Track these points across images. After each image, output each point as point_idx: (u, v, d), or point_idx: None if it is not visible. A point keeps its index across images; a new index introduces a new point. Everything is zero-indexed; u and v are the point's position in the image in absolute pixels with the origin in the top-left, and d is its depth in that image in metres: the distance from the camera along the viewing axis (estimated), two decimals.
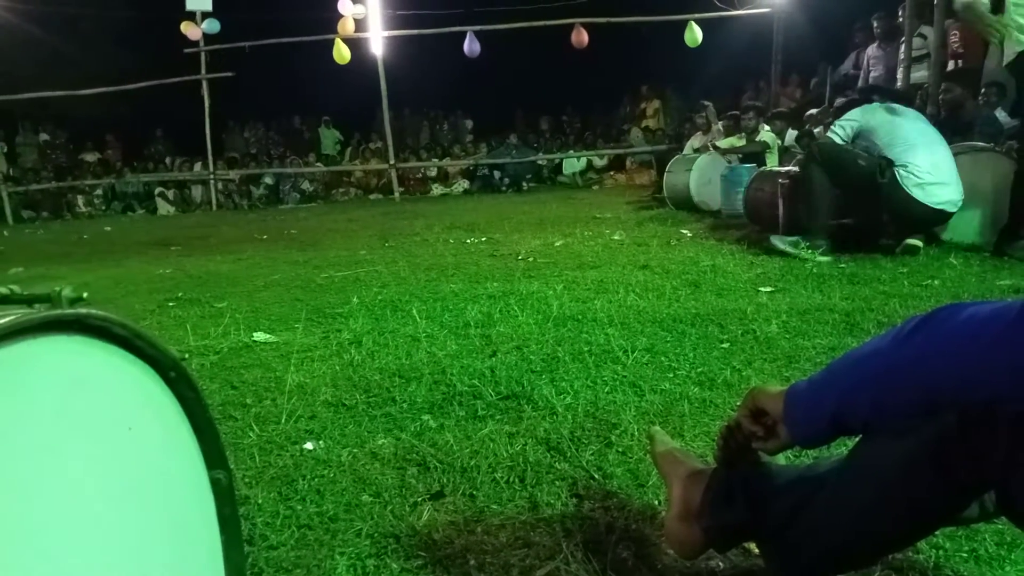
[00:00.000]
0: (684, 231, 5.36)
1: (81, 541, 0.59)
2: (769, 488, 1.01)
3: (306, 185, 13.54)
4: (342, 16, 11.14)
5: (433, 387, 2.12)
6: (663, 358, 2.27)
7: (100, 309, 0.66)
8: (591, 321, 2.78)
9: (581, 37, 10.69)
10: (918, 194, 3.72)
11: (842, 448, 1.20)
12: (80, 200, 12.99)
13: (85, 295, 0.62)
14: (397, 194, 12.18)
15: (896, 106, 4.05)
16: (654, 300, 3.09)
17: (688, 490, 1.10)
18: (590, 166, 13.25)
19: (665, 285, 3.37)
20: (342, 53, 11.12)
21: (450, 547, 1.27)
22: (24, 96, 11.95)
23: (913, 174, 3.73)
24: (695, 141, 8.73)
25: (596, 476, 1.51)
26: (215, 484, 0.84)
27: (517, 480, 1.51)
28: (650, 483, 1.44)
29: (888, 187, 3.79)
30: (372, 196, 13.13)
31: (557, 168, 13.60)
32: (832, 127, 4.08)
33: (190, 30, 11.38)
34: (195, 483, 0.81)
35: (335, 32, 11.16)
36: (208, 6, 11.30)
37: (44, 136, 14.35)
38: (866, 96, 4.61)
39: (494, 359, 2.36)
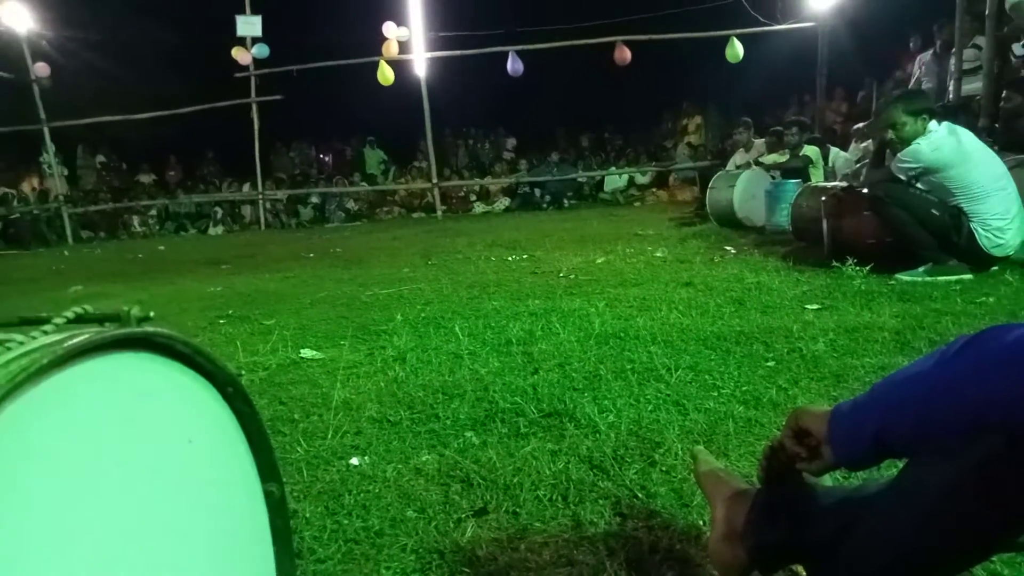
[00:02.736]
0: (728, 248, 5.31)
1: (145, 545, 0.62)
2: (814, 509, 0.99)
3: (351, 204, 13.80)
4: (386, 39, 11.39)
5: (476, 404, 2.14)
6: (707, 376, 2.25)
7: (162, 327, 0.69)
8: (634, 339, 2.77)
9: (624, 54, 10.72)
10: (994, 250, 3.65)
11: (892, 469, 1.18)
12: (135, 220, 13.46)
13: (152, 314, 0.65)
14: (439, 212, 12.33)
15: (958, 129, 3.86)
16: (697, 318, 3.07)
17: (732, 510, 1.09)
18: (632, 183, 13.21)
19: (709, 302, 3.34)
20: (386, 75, 11.37)
21: (493, 564, 1.27)
22: (83, 121, 12.47)
23: (989, 228, 3.64)
24: (738, 157, 8.65)
25: (639, 495, 1.50)
26: (268, 496, 0.87)
27: (560, 498, 1.51)
28: (694, 503, 1.43)
29: (962, 240, 3.69)
30: (415, 215, 13.30)
31: (598, 185, 13.60)
32: (898, 164, 3.86)
33: (241, 55, 11.76)
34: (249, 495, 0.84)
35: (380, 54, 11.41)
36: (258, 31, 11.67)
37: (101, 159, 14.93)
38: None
39: (536, 376, 2.37)
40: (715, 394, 2.08)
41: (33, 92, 11.69)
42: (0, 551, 0.47)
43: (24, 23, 11.34)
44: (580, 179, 13.44)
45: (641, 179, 13.21)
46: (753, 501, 1.07)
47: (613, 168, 13.48)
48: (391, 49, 11.39)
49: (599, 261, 5.05)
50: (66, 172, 13.77)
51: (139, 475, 0.62)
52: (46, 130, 12.14)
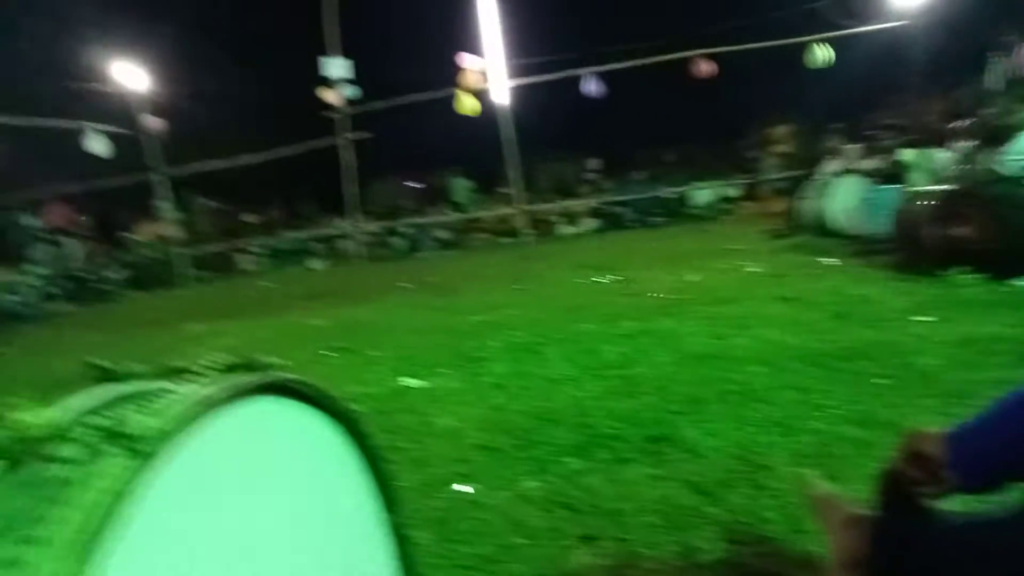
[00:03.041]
0: (825, 259, 5.11)
1: (287, 570, 0.68)
2: (937, 535, 0.96)
3: (441, 234, 14.14)
4: (465, 70, 11.70)
5: (575, 430, 2.16)
6: (813, 396, 2.18)
7: (283, 368, 0.76)
8: (732, 359, 2.72)
9: (705, 67, 10.59)
10: None
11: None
12: (244, 259, 14.27)
13: (288, 363, 0.72)
14: (527, 237, 12.45)
15: None
16: (798, 334, 2.97)
17: (849, 538, 1.06)
18: (720, 197, 12.94)
19: (809, 318, 3.24)
20: (467, 104, 11.67)
21: None
22: (193, 169, 13.38)
23: None
24: (830, 165, 8.33)
25: (748, 521, 1.48)
26: (389, 525, 0.92)
27: (666, 524, 1.51)
28: (807, 529, 1.39)
29: None
30: (503, 240, 13.47)
31: (685, 200, 13.40)
32: (1006, 158, 3.65)
33: (330, 96, 12.35)
34: (373, 523, 0.89)
35: (460, 86, 11.73)
36: (346, 73, 12.24)
37: (211, 203, 15.97)
38: None
39: (634, 400, 2.37)
40: (822, 414, 2.02)
41: (148, 145, 12.67)
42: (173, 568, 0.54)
43: (139, 83, 12.35)
44: (666, 195, 13.28)
45: (730, 192, 12.92)
46: (872, 528, 1.04)
47: (699, 182, 13.24)
48: (470, 80, 11.68)
49: (691, 279, 4.97)
50: (180, 217, 14.78)
51: (279, 505, 0.68)
52: (161, 179, 13.11)
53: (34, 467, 0.50)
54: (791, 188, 10.72)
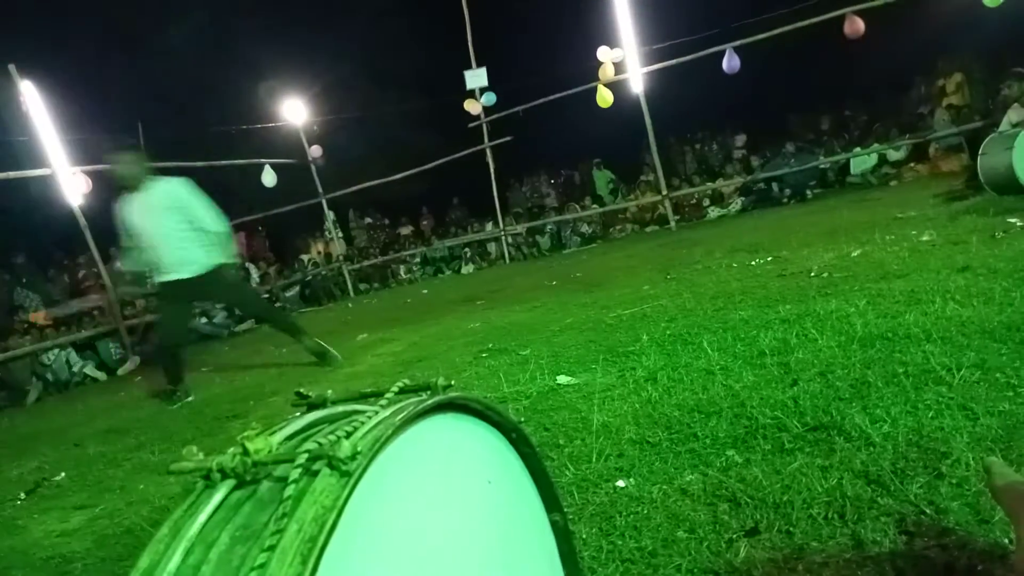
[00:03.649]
0: (1012, 220, 4.59)
1: (471, 572, 0.76)
2: None
3: (585, 228, 14.18)
4: (602, 63, 11.66)
5: (734, 421, 2.13)
6: (998, 375, 2.01)
7: (452, 387, 0.85)
8: (904, 338, 2.55)
9: (856, 26, 9.82)
10: None
11: None
12: (401, 269, 15.13)
13: (453, 382, 0.81)
14: (673, 223, 12.18)
15: None
16: (980, 307, 2.72)
17: None
18: (883, 161, 11.93)
19: (993, 288, 2.95)
20: (604, 97, 11.62)
21: None
22: (351, 189, 14.37)
23: None
24: (1012, 114, 7.44)
25: (927, 511, 1.40)
26: (554, 525, 0.99)
27: (836, 516, 1.47)
28: (995, 519, 1.31)
29: None
30: (648, 229, 13.27)
31: (844, 169, 12.48)
32: None
33: (472, 106, 12.78)
34: (538, 525, 0.96)
35: (597, 79, 11.71)
36: (484, 82, 12.62)
37: (369, 219, 17.06)
38: None
39: (795, 388, 2.29)
40: (1010, 395, 1.86)
41: (312, 171, 13.77)
42: (377, 569, 0.63)
43: (300, 116, 13.46)
44: (822, 166, 12.45)
45: (895, 155, 11.88)
46: None
47: (859, 148, 12.29)
48: (607, 72, 11.63)
49: (854, 254, 4.66)
50: (341, 234, 15.92)
51: (457, 512, 0.76)
52: (324, 201, 14.20)
53: (267, 486, 0.63)
54: (967, 144, 9.70)
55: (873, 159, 12.03)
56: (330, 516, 0.56)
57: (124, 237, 5.04)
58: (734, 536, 1.48)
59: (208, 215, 4.91)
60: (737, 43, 10.69)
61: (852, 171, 12.23)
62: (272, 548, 0.54)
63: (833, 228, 6.35)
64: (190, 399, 5.12)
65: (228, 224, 5.08)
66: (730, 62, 10.65)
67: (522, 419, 2.69)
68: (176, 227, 4.84)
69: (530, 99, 12.68)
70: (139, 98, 14.40)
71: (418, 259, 15.32)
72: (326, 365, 5.14)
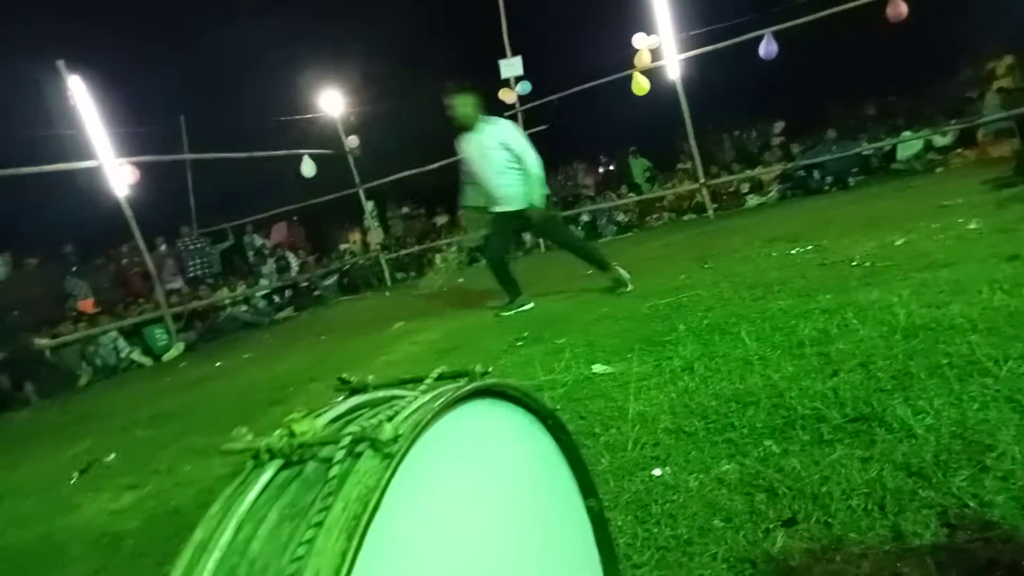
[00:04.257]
0: None
1: (505, 554, 0.78)
2: None
3: (621, 216, 14.09)
4: (638, 50, 11.52)
5: (772, 411, 2.11)
6: None
7: (488, 373, 0.86)
8: (948, 329, 2.49)
9: (899, 9, 9.55)
10: None
11: None
12: (437, 258, 15.24)
13: (490, 369, 0.82)
14: (711, 212, 12.03)
15: None
16: None
17: None
18: (929, 147, 11.59)
19: None
20: (640, 84, 11.49)
21: (808, 575, 1.27)
22: (389, 179, 14.49)
23: None
24: None
25: (971, 504, 1.38)
26: (589, 511, 1.00)
27: (876, 508, 1.45)
28: None
29: None
30: (685, 217, 13.12)
31: (888, 156, 12.16)
32: None
33: (507, 95, 12.75)
34: (574, 510, 0.98)
35: (632, 66, 11.58)
36: (520, 71, 12.57)
37: (406, 209, 17.18)
38: None
39: (836, 379, 2.26)
40: None
41: (348, 161, 13.90)
42: (417, 547, 0.65)
43: (337, 107, 13.60)
44: (864, 152, 12.14)
45: (941, 141, 11.53)
46: None
47: (908, 132, 11.92)
48: (644, 59, 11.49)
49: (898, 243, 4.56)
50: (378, 224, 16.07)
51: (494, 494, 0.78)
52: (361, 191, 14.33)
53: (312, 466, 0.65)
54: (1018, 128, 9.38)
55: (918, 145, 11.70)
56: (373, 495, 0.58)
57: (464, 174, 5.83)
58: (771, 526, 1.47)
59: (529, 157, 5.35)
60: (775, 28, 10.47)
61: (897, 157, 11.91)
62: (319, 525, 0.57)
63: (876, 216, 6.21)
64: (531, 305, 5.58)
65: (543, 167, 5.52)
66: (767, 48, 10.43)
67: (557, 407, 2.69)
68: (505, 164, 5.35)
69: (565, 87, 12.60)
70: (181, 91, 14.71)
71: (453, 248, 15.40)
72: (619, 289, 5.39)
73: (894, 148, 12.00)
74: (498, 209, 5.55)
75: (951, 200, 6.11)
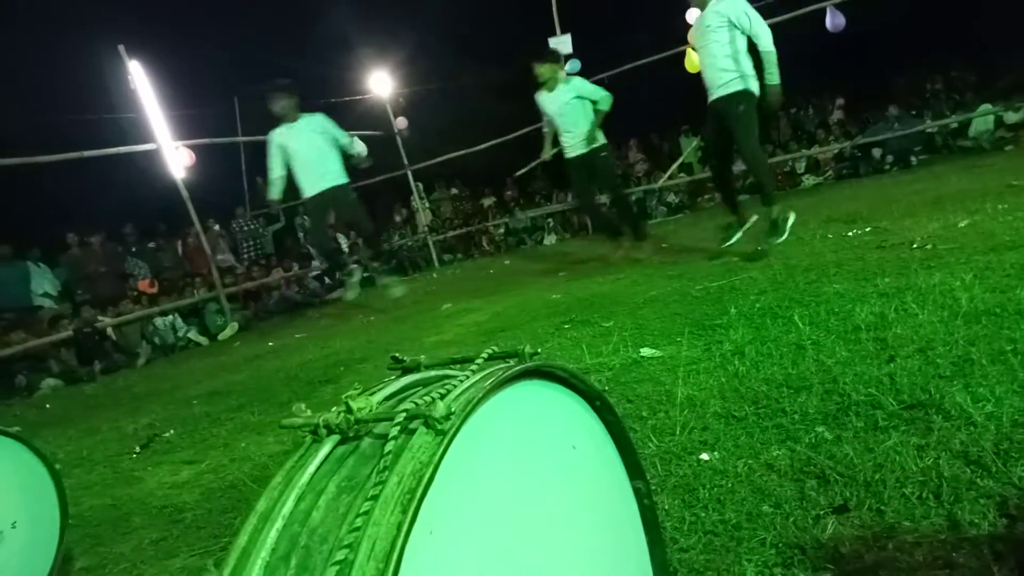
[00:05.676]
0: None
1: (553, 531, 0.79)
2: None
3: (671, 197, 13.89)
4: (691, 25, 11.29)
5: (825, 397, 2.07)
6: None
7: (538, 354, 0.87)
8: (1014, 314, 2.40)
9: None
10: None
11: None
12: (484, 240, 15.28)
13: (540, 350, 0.83)
14: None
15: None
16: None
17: None
18: (999, 124, 11.06)
19: None
20: (693, 61, 11.26)
21: (859, 562, 1.26)
22: (436, 160, 14.57)
23: None
24: None
25: None
26: (636, 492, 1.00)
27: (931, 496, 1.42)
28: None
29: None
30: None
31: (955, 133, 11.66)
32: None
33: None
34: (621, 490, 0.98)
35: (685, 43, 11.34)
36: (569, 48, 12.44)
37: (453, 190, 17.26)
38: None
39: (892, 364, 2.20)
40: None
41: (397, 142, 14.02)
42: (468, 521, 0.67)
43: (386, 88, 13.71)
44: (929, 130, 11.67)
45: (1013, 117, 10.99)
46: None
47: (987, 105, 11.33)
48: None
49: (962, 224, 4.39)
50: (427, 205, 16.20)
51: (543, 473, 0.79)
52: (409, 173, 14.45)
53: (368, 442, 0.68)
54: None
55: (989, 121, 11.18)
56: (427, 471, 0.61)
57: (545, 123, 6.84)
58: (822, 512, 1.45)
59: (591, 110, 6.53)
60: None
61: (971, 132, 11.37)
62: (375, 498, 0.59)
63: (939, 196, 5.99)
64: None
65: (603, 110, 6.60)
66: (834, 20, 10.07)
67: (605, 390, 2.70)
68: (584, 116, 6.52)
69: (616, 65, 12.43)
70: (235, 75, 15.01)
71: (501, 229, 15.42)
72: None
73: (960, 125, 11.50)
74: (572, 154, 6.65)
75: (1020, 180, 5.84)
